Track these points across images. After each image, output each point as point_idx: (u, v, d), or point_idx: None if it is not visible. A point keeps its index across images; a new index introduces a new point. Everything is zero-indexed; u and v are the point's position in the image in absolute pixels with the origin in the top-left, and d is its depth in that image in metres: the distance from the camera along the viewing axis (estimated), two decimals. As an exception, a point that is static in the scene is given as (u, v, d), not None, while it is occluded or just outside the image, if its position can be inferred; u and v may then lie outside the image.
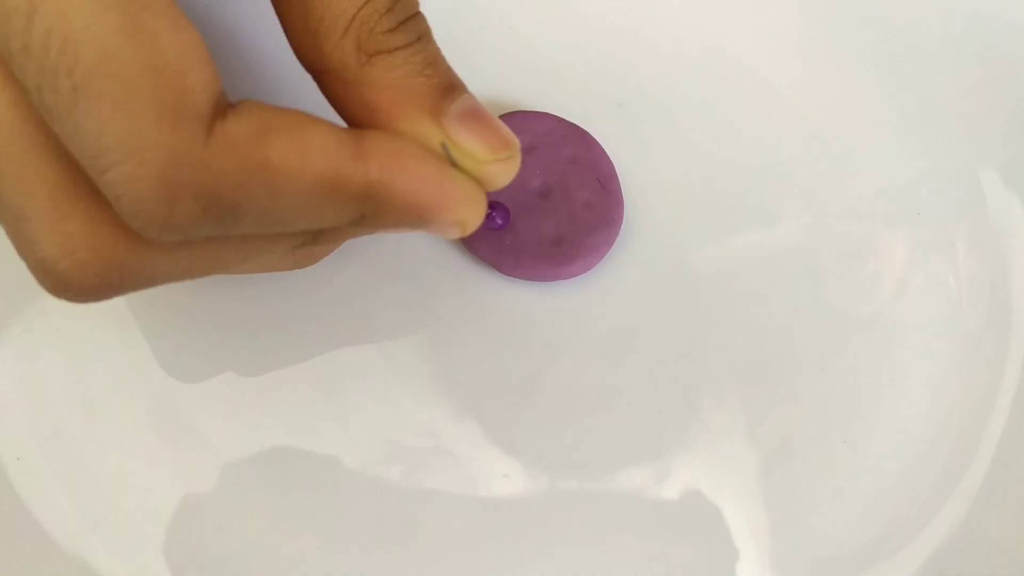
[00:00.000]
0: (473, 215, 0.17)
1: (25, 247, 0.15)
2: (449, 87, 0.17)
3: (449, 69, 0.17)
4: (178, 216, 0.14)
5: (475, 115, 0.17)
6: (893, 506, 0.24)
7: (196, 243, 0.15)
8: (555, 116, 0.25)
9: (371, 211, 0.16)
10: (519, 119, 0.24)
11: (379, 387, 0.23)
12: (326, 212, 0.15)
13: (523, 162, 0.24)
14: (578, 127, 0.25)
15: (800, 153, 0.26)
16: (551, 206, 0.24)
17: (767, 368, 0.24)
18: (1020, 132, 0.26)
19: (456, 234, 0.18)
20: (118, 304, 0.23)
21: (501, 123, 0.18)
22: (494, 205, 0.22)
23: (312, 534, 0.23)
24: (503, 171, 0.18)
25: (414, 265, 0.24)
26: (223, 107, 0.14)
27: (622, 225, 0.24)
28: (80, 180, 0.14)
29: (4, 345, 0.23)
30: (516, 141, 0.18)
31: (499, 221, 0.23)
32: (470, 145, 0.17)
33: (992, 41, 0.26)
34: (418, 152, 0.16)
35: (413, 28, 0.17)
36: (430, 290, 0.24)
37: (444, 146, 0.17)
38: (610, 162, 0.24)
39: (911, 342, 0.25)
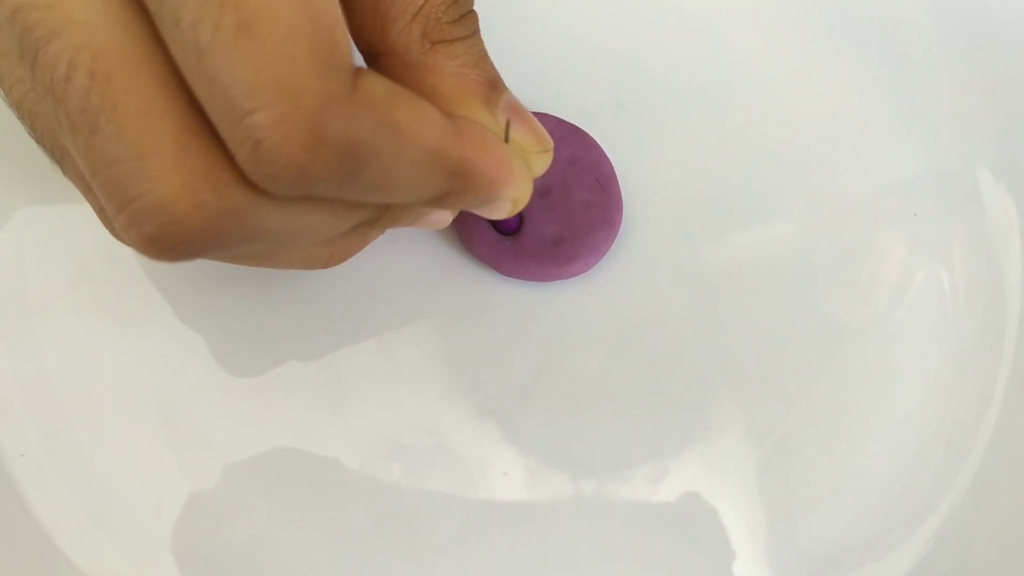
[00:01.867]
0: (527, 193, 0.19)
1: (136, 187, 0.14)
2: (497, 81, 0.19)
3: (494, 67, 0.19)
4: (316, 164, 0.14)
5: (519, 110, 0.19)
6: (889, 505, 0.24)
7: (298, 202, 0.15)
8: (554, 116, 0.25)
9: (459, 187, 0.17)
10: (519, 120, 0.24)
11: (380, 386, 0.24)
12: (425, 183, 0.16)
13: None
14: (577, 127, 0.25)
15: (798, 153, 0.26)
16: (551, 206, 0.24)
17: (764, 368, 0.24)
18: (1014, 131, 0.26)
19: (507, 212, 0.19)
20: (123, 303, 0.23)
21: (536, 120, 0.19)
22: None
23: (314, 531, 0.23)
24: (544, 161, 0.20)
25: (415, 266, 0.24)
26: (357, 67, 0.15)
27: (621, 225, 0.24)
28: (200, 122, 0.14)
29: (9, 344, 0.23)
30: (551, 139, 0.20)
31: (515, 223, 0.24)
32: (520, 135, 0.19)
33: (987, 41, 0.26)
34: (494, 135, 0.18)
35: (471, 22, 0.18)
36: (431, 290, 0.24)
37: (506, 131, 0.19)
38: (609, 162, 0.25)
39: (907, 342, 0.25)
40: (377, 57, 0.18)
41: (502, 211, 0.19)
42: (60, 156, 0.17)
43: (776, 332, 0.25)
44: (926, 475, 0.24)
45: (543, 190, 0.24)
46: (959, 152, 0.26)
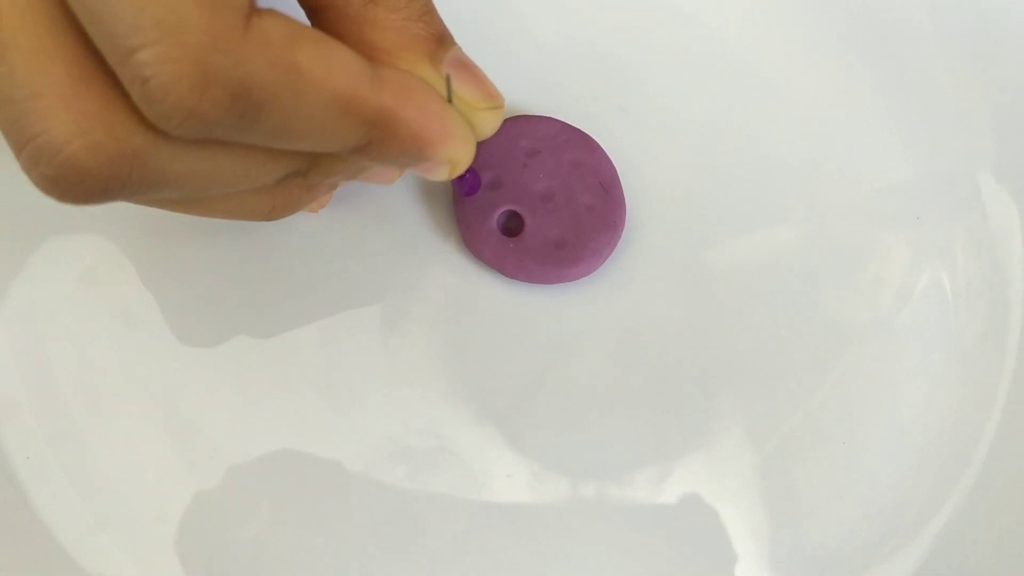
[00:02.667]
0: (465, 155, 0.18)
1: (30, 127, 0.13)
2: (443, 36, 0.18)
3: (442, 21, 0.18)
4: (206, 104, 0.13)
5: (466, 65, 0.19)
6: (891, 508, 0.24)
7: (206, 147, 0.15)
8: (558, 120, 0.25)
9: (378, 137, 0.16)
10: (522, 123, 0.25)
11: (384, 388, 0.24)
12: (338, 130, 0.15)
13: (526, 166, 0.24)
14: (581, 131, 0.25)
15: (800, 156, 0.26)
16: (554, 209, 0.24)
17: (767, 371, 0.24)
18: (1016, 134, 0.26)
19: (444, 174, 0.18)
20: (128, 306, 0.24)
21: (487, 76, 0.19)
22: (468, 170, 0.21)
23: (317, 534, 0.23)
24: (492, 119, 0.19)
25: (418, 267, 0.24)
26: (255, 7, 0.14)
27: (624, 228, 0.24)
28: (96, 62, 0.14)
29: (16, 346, 0.23)
30: (502, 95, 0.19)
31: (469, 184, 0.23)
32: (465, 91, 0.18)
33: (988, 44, 0.26)
34: (426, 88, 0.17)
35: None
36: (434, 292, 0.24)
37: (447, 87, 0.18)
38: (612, 166, 0.25)
39: (910, 345, 0.25)
40: (318, 12, 0.17)
41: (440, 172, 0.18)
42: None
43: (779, 335, 0.25)
44: (929, 479, 0.24)
45: (546, 193, 0.24)
46: (961, 155, 0.26)
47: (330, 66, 0.15)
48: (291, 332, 0.24)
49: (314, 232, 0.24)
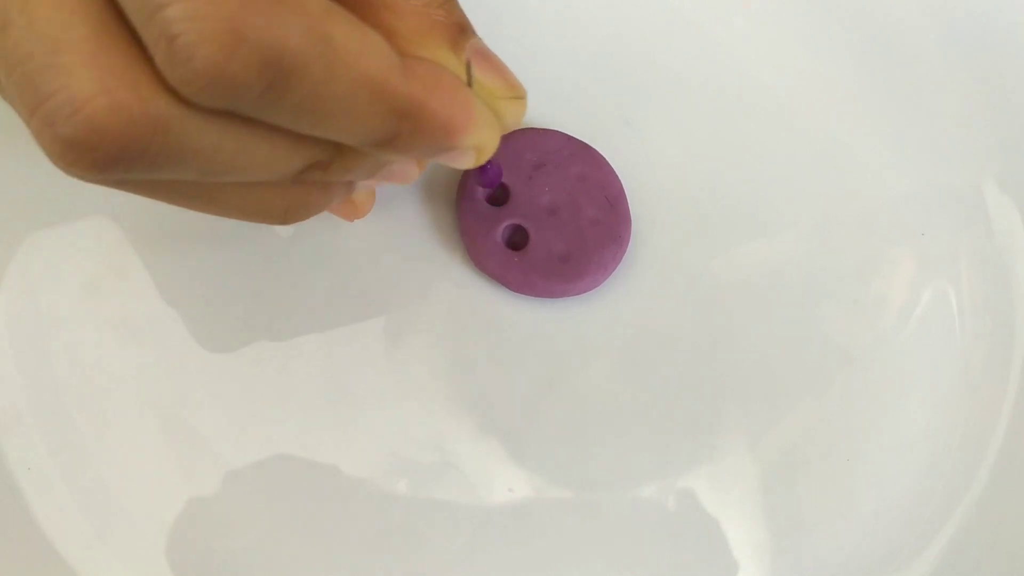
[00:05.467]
0: (491, 140, 0.18)
1: (48, 84, 0.13)
2: (464, 25, 0.18)
3: (462, 10, 0.18)
4: (235, 66, 0.13)
5: (487, 55, 0.18)
6: (896, 524, 0.24)
7: (228, 122, 0.14)
8: (563, 134, 0.25)
9: (407, 129, 0.16)
10: (528, 136, 0.25)
11: (387, 401, 0.23)
12: (365, 117, 0.15)
13: (532, 179, 0.24)
14: (586, 145, 0.25)
15: (805, 170, 0.26)
16: (559, 223, 0.24)
17: (771, 386, 0.24)
18: (1020, 147, 0.26)
19: (471, 162, 0.18)
20: (130, 318, 0.24)
21: (508, 67, 0.19)
22: (489, 161, 0.21)
23: (319, 547, 0.23)
24: (515, 109, 0.19)
25: (422, 280, 0.24)
26: None
27: (630, 242, 0.24)
28: (120, 22, 0.13)
29: (20, 357, 0.23)
30: (523, 86, 0.19)
31: (491, 174, 0.23)
32: (487, 80, 0.18)
33: (992, 56, 0.26)
34: (451, 75, 0.17)
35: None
36: (439, 306, 0.24)
37: (468, 73, 0.18)
38: (618, 180, 0.25)
39: (915, 360, 0.25)
40: None
41: (466, 160, 0.18)
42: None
43: (784, 350, 0.25)
44: (934, 496, 0.24)
45: (552, 207, 0.24)
46: (965, 168, 0.26)
47: (363, 47, 0.14)
48: (294, 344, 0.24)
49: (318, 245, 0.24)
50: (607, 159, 0.25)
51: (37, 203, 0.24)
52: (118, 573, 0.22)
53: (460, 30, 0.18)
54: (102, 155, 0.13)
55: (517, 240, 0.24)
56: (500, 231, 0.24)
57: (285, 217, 0.19)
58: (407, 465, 0.23)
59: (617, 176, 0.25)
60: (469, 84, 0.18)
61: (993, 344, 0.25)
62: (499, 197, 0.24)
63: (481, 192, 0.24)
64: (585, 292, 0.24)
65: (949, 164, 0.26)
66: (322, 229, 0.24)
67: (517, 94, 0.19)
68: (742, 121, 0.26)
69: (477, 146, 0.17)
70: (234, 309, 0.24)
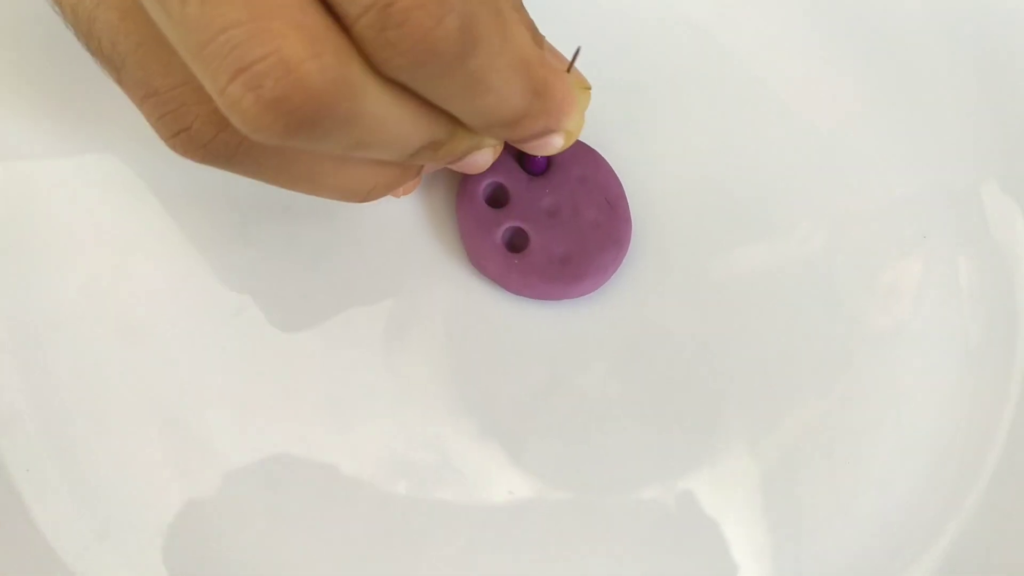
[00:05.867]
0: (580, 126, 0.19)
1: (257, 49, 0.13)
2: (534, 25, 0.20)
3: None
4: (440, 32, 0.14)
5: (557, 52, 0.20)
6: (899, 524, 0.24)
7: (401, 93, 0.15)
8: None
9: (537, 108, 0.17)
10: (528, 138, 0.25)
11: (386, 402, 0.24)
12: (515, 92, 0.16)
13: (532, 181, 0.24)
14: (587, 146, 0.25)
15: (806, 172, 0.26)
16: (560, 225, 0.24)
17: (772, 387, 0.24)
18: (1022, 147, 0.26)
19: (559, 146, 0.19)
20: (128, 317, 0.24)
21: None
22: None
23: (319, 547, 0.23)
24: (586, 99, 0.21)
25: (422, 282, 0.24)
26: None
27: (630, 245, 0.24)
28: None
29: (18, 357, 0.23)
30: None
31: (544, 163, 0.24)
32: (573, 75, 0.20)
33: (995, 58, 0.26)
34: (560, 66, 0.19)
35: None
36: (439, 308, 0.24)
37: (571, 61, 0.20)
38: (619, 182, 0.25)
39: (917, 359, 0.25)
40: None
41: (556, 144, 0.19)
42: (121, 60, 0.16)
43: (784, 351, 0.25)
44: (937, 495, 0.24)
45: (552, 209, 0.24)
46: (968, 169, 0.26)
47: (519, 29, 0.16)
48: (294, 346, 0.24)
49: (319, 247, 0.24)
50: (607, 161, 0.25)
51: (37, 203, 0.24)
52: (117, 574, 0.22)
53: (534, 28, 0.20)
54: (299, 116, 0.14)
55: (517, 242, 0.24)
56: (500, 233, 0.24)
57: (368, 196, 0.20)
58: (407, 466, 0.23)
59: (617, 178, 0.25)
60: (568, 70, 0.20)
61: (995, 344, 0.25)
62: (499, 199, 0.24)
63: (481, 194, 0.24)
64: (585, 294, 0.24)
65: (951, 166, 0.26)
66: (323, 232, 0.24)
67: (586, 85, 0.21)
68: (743, 124, 0.26)
69: (570, 130, 0.19)
70: (233, 312, 0.24)
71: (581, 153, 0.25)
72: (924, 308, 0.25)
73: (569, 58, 0.20)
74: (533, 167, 0.24)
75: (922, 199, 0.26)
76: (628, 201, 0.25)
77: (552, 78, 0.17)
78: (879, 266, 0.26)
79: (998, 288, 0.26)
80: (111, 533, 0.22)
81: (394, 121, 0.15)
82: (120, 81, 0.17)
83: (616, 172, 0.25)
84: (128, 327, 0.23)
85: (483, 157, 0.21)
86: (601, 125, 0.26)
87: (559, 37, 0.26)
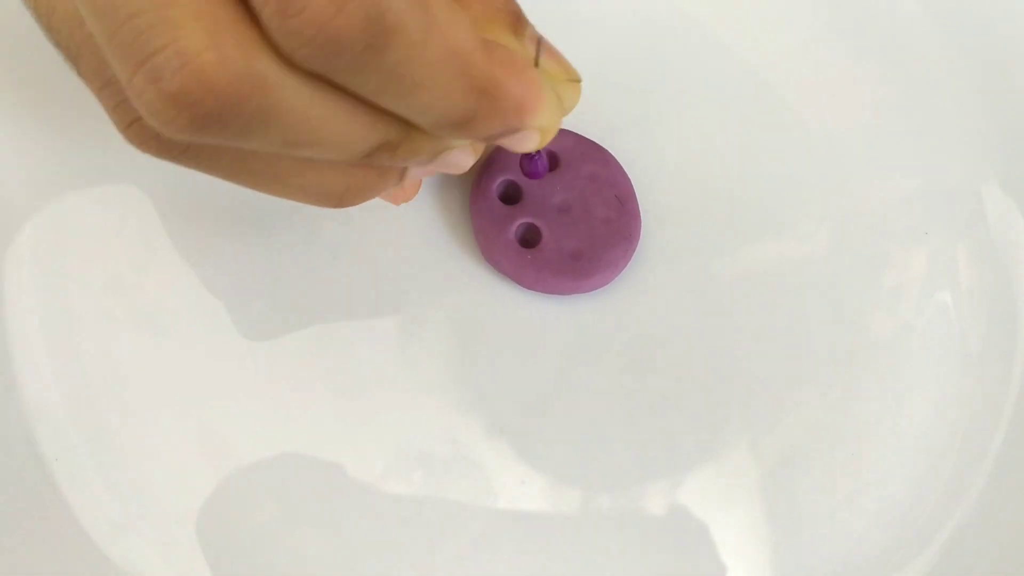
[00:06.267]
0: (555, 124, 0.18)
1: (158, 38, 0.13)
2: (522, 14, 0.18)
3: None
4: (341, 20, 0.13)
5: (543, 41, 0.19)
6: (898, 520, 0.24)
7: (320, 87, 0.15)
8: (574, 133, 0.25)
9: (484, 109, 0.16)
10: (540, 137, 0.25)
11: (401, 395, 0.24)
12: (451, 91, 0.15)
13: (544, 179, 0.25)
14: (597, 144, 0.25)
15: (811, 170, 0.26)
16: (571, 221, 0.24)
17: (777, 383, 0.25)
18: (1022, 146, 0.26)
19: (535, 143, 0.18)
20: (152, 311, 0.24)
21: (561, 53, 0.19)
22: (538, 151, 0.21)
23: (336, 535, 0.23)
24: (573, 92, 0.19)
25: (437, 278, 0.25)
26: None
27: (639, 240, 0.25)
28: None
29: (48, 350, 0.24)
30: (577, 70, 0.19)
31: (541, 163, 0.23)
32: (548, 64, 0.19)
33: (995, 56, 0.27)
34: (524, 59, 0.17)
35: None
36: (453, 303, 0.25)
37: (536, 54, 0.18)
38: (628, 179, 0.25)
39: (918, 357, 0.25)
40: None
41: (530, 142, 0.18)
42: (77, 50, 0.16)
43: (789, 348, 0.25)
44: (936, 491, 0.24)
45: (563, 206, 0.24)
46: (968, 168, 0.26)
47: (453, 18, 0.14)
48: (311, 339, 0.24)
49: (334, 242, 0.25)
50: (617, 159, 0.25)
51: (64, 202, 0.25)
52: (146, 557, 0.23)
53: (519, 17, 0.18)
54: (203, 111, 0.13)
55: (529, 238, 0.24)
56: (513, 229, 0.24)
57: (342, 200, 0.19)
58: (422, 458, 0.24)
59: (627, 175, 0.25)
60: (536, 64, 0.18)
61: (995, 340, 0.25)
62: (512, 196, 0.25)
63: (494, 191, 0.24)
64: (596, 289, 0.25)
65: (953, 164, 0.26)
66: (338, 228, 0.25)
67: (574, 77, 0.19)
68: (750, 122, 0.27)
69: (543, 127, 0.17)
70: (252, 307, 0.24)
71: (591, 151, 0.25)
72: (924, 308, 0.26)
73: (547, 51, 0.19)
74: (531, 171, 0.23)
75: (924, 199, 0.26)
76: (638, 197, 0.25)
77: (503, 76, 0.16)
78: (880, 265, 0.26)
79: (999, 288, 0.26)
80: (141, 518, 0.23)
81: (325, 118, 0.15)
82: (79, 72, 0.16)
83: (625, 169, 0.25)
84: (151, 320, 0.24)
85: (457, 157, 0.20)
86: (611, 123, 0.26)
87: (566, 36, 0.27)
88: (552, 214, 0.24)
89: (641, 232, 0.25)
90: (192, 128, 0.13)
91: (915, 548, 0.24)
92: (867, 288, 0.26)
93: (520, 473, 0.24)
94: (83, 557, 0.22)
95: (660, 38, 0.27)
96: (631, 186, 0.25)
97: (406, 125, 0.16)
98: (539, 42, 0.19)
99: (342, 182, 0.18)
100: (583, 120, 0.25)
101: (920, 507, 0.24)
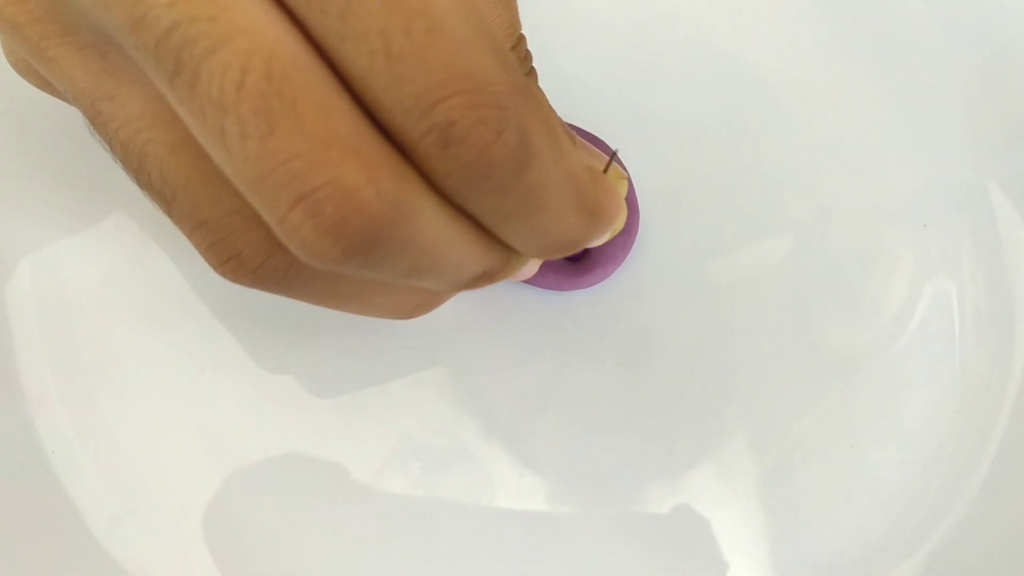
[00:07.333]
0: (623, 222, 0.19)
1: (317, 177, 0.13)
2: (574, 135, 0.20)
3: None
4: (499, 146, 0.14)
5: (592, 148, 0.20)
6: (895, 516, 0.24)
7: (456, 216, 0.15)
8: (572, 127, 0.25)
9: (591, 230, 0.17)
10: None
11: (400, 388, 0.24)
12: (568, 214, 0.16)
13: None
14: (596, 138, 0.25)
15: (811, 165, 0.26)
16: (569, 217, 0.24)
17: (776, 378, 0.25)
18: (1022, 142, 0.26)
19: (606, 239, 0.19)
20: (148, 305, 0.24)
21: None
22: None
23: (334, 527, 0.23)
24: (623, 188, 0.21)
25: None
26: None
27: (637, 235, 0.25)
28: (368, 120, 0.14)
29: (46, 343, 0.24)
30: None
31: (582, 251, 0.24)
32: (609, 170, 0.20)
33: (996, 53, 0.26)
34: (602, 173, 0.18)
35: (529, 60, 0.20)
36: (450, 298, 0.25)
37: (608, 164, 0.20)
38: (627, 173, 0.25)
39: (915, 353, 0.25)
40: None
41: (603, 240, 0.19)
42: (171, 194, 0.17)
43: (788, 343, 0.25)
44: (933, 487, 0.24)
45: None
46: (968, 163, 0.26)
47: (571, 147, 0.15)
48: (309, 332, 0.24)
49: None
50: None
51: (63, 200, 0.25)
52: (143, 549, 0.23)
53: (574, 136, 0.19)
54: (356, 240, 0.14)
55: (577, 254, 0.24)
56: None
57: (411, 314, 0.19)
58: (420, 450, 0.24)
59: (625, 170, 0.25)
60: (605, 171, 0.20)
61: (993, 336, 0.25)
62: None
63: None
64: (594, 285, 0.25)
65: (952, 159, 0.26)
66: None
67: (623, 175, 0.21)
68: (749, 115, 0.26)
69: (617, 229, 0.19)
70: (250, 299, 0.24)
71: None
72: (923, 306, 0.26)
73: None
74: (574, 256, 0.24)
75: (923, 198, 0.26)
76: (636, 192, 0.25)
77: (605, 198, 0.17)
78: (881, 260, 0.26)
79: (998, 283, 0.26)
80: (139, 511, 0.23)
81: (451, 244, 0.15)
82: (170, 213, 0.17)
83: (624, 164, 0.25)
84: (147, 315, 0.24)
85: (530, 268, 0.21)
86: (607, 118, 0.26)
87: (566, 36, 0.26)
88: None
89: (639, 227, 0.25)
90: (343, 256, 0.14)
91: (912, 544, 0.24)
92: (866, 284, 0.26)
93: (519, 467, 0.24)
94: (81, 549, 0.22)
95: (659, 32, 0.27)
96: (629, 180, 0.25)
97: (508, 252, 0.17)
98: (584, 146, 0.20)
99: (416, 300, 0.19)
100: (580, 114, 0.26)
101: (917, 503, 0.24)
